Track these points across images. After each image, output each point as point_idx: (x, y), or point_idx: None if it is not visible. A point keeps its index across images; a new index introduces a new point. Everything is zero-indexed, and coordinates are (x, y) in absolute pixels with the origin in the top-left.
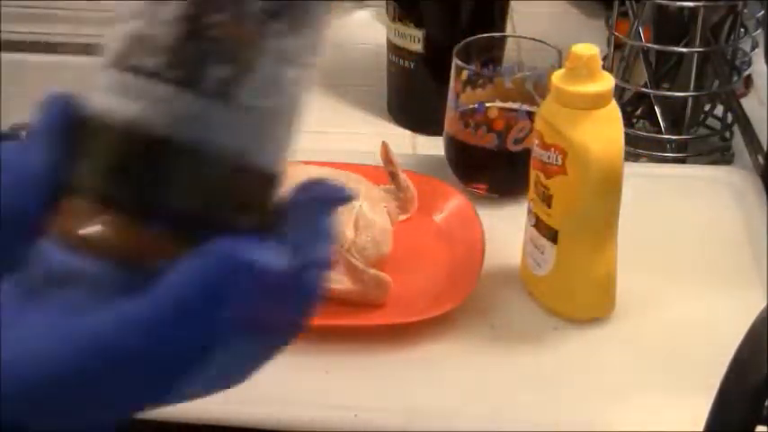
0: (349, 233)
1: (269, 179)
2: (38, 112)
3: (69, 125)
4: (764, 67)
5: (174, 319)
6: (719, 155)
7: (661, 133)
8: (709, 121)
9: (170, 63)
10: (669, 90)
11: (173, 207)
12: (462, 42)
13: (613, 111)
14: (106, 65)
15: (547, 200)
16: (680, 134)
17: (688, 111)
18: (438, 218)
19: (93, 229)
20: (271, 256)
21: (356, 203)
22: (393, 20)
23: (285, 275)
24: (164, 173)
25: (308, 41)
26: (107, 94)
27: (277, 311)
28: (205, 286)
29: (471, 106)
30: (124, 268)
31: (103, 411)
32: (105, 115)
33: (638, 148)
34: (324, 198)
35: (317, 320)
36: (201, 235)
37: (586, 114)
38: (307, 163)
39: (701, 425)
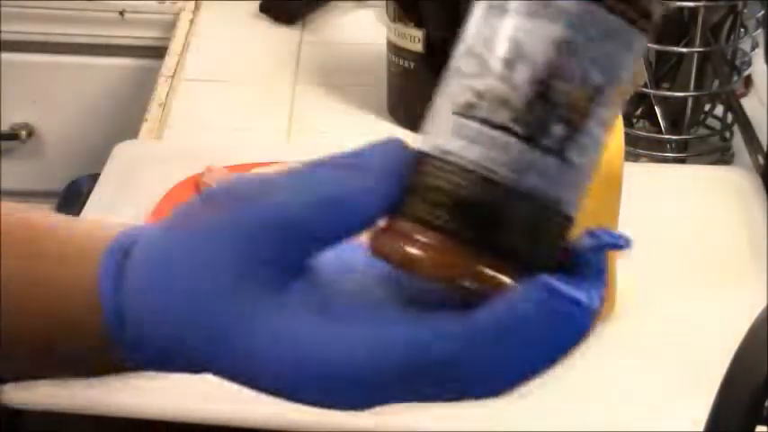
0: None
1: (571, 224)
2: (374, 151)
3: (403, 165)
4: (764, 67)
5: (494, 340)
6: (719, 155)
7: (661, 133)
8: (710, 121)
9: (517, 119)
10: (669, 90)
11: (501, 243)
12: None
13: None
14: (452, 112)
15: None
16: (680, 134)
17: (688, 111)
18: None
19: (419, 249)
20: (589, 297)
21: None
22: (393, 20)
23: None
24: (498, 213)
25: (615, 113)
26: (450, 137)
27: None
28: (537, 319)
29: None
30: (441, 289)
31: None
32: (451, 156)
33: (638, 148)
34: (607, 245)
35: None
36: (515, 269)
37: None
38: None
39: (701, 425)
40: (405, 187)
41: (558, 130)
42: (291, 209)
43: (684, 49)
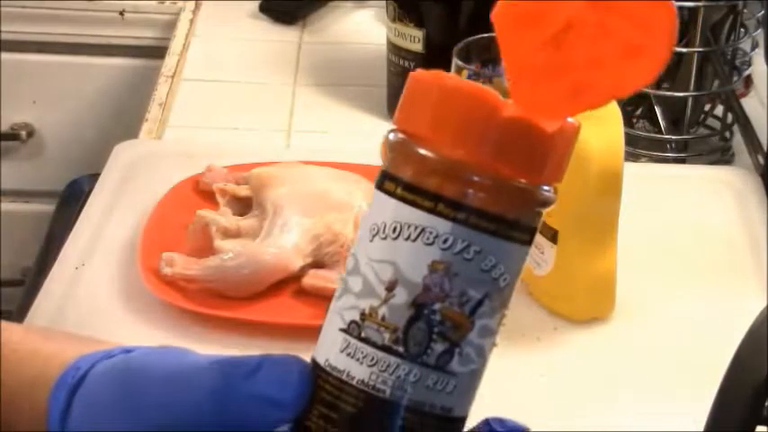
0: (349, 233)
1: (463, 424)
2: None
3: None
4: (764, 67)
5: None
6: (719, 155)
7: (661, 133)
8: (710, 121)
9: (397, 339)
10: (669, 90)
11: None
12: (462, 42)
13: (613, 111)
14: (339, 328)
15: None
16: (680, 134)
17: (688, 111)
18: None
19: None
20: None
21: (356, 204)
22: (393, 20)
23: None
24: (388, 428)
25: (502, 314)
26: (339, 354)
27: None
28: None
29: None
30: None
31: None
32: (340, 373)
33: (638, 148)
34: None
35: (318, 320)
36: None
37: (586, 114)
38: (306, 163)
39: (701, 425)
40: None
41: (438, 347)
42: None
43: (684, 49)
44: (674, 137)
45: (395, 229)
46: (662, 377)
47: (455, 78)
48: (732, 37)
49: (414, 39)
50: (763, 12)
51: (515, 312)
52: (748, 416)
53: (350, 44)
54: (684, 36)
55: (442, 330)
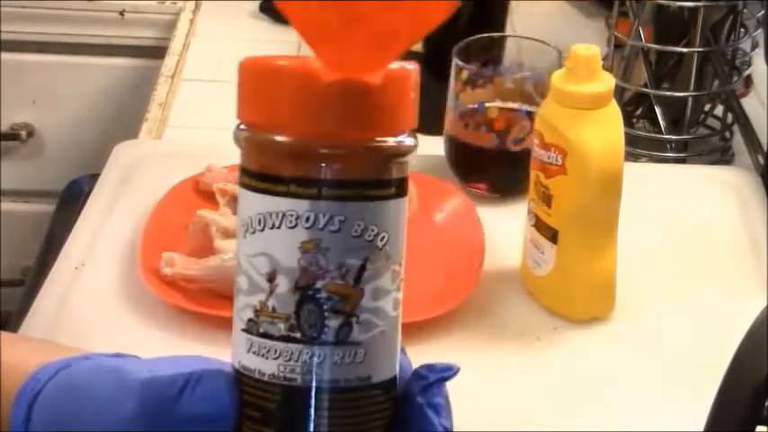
0: None
1: (393, 386)
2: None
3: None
4: (764, 67)
5: None
6: (719, 155)
7: (661, 133)
8: (710, 121)
9: (292, 327)
10: (669, 90)
11: None
12: (462, 42)
13: (613, 111)
14: (241, 329)
15: (547, 200)
16: (680, 134)
17: (688, 111)
18: (438, 218)
19: None
20: None
21: None
22: None
23: None
24: (310, 413)
25: (394, 270)
26: (246, 354)
27: None
28: None
29: (471, 106)
30: None
31: None
32: (252, 372)
33: (638, 148)
34: (437, 381)
35: None
36: None
37: (586, 114)
38: None
39: (701, 425)
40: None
41: (333, 323)
42: None
43: (684, 49)
44: (674, 137)
45: (260, 221)
46: (662, 377)
47: (270, 59)
48: (732, 37)
49: None
50: (763, 12)
51: (515, 312)
52: (748, 416)
53: None
54: (684, 36)
55: (331, 306)
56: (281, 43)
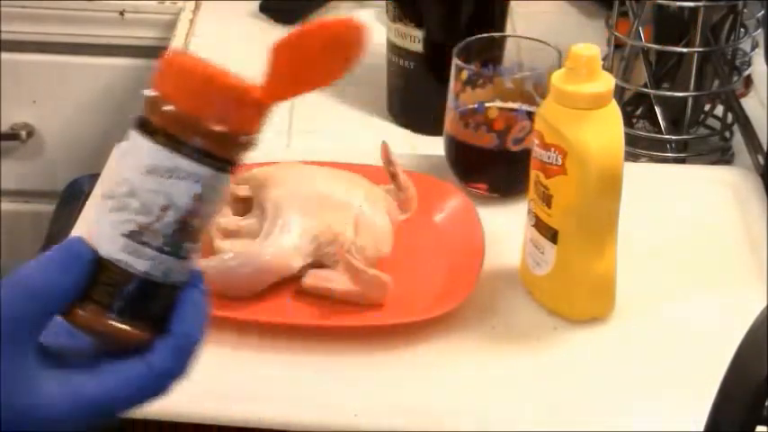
0: (349, 233)
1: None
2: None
3: (85, 260)
4: (764, 67)
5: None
6: (719, 155)
7: (661, 133)
8: (710, 121)
9: (166, 243)
10: (669, 90)
11: (150, 314)
12: (462, 42)
13: (613, 111)
14: (121, 234)
15: (547, 200)
16: (680, 134)
17: (688, 111)
18: (438, 218)
19: (104, 326)
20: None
21: (356, 204)
22: (393, 20)
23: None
24: (154, 297)
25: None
26: (121, 251)
27: None
28: (179, 359)
29: (471, 106)
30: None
31: None
32: (122, 264)
33: (638, 148)
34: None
35: (317, 320)
36: (158, 329)
37: (586, 114)
38: (306, 163)
39: (701, 425)
40: (93, 278)
41: (188, 246)
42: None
43: (684, 49)
44: (674, 137)
45: (168, 172)
46: (662, 377)
47: (193, 61)
48: (732, 37)
49: (414, 39)
50: (763, 12)
51: (515, 312)
52: (748, 416)
53: None
54: (684, 36)
55: (193, 236)
56: None
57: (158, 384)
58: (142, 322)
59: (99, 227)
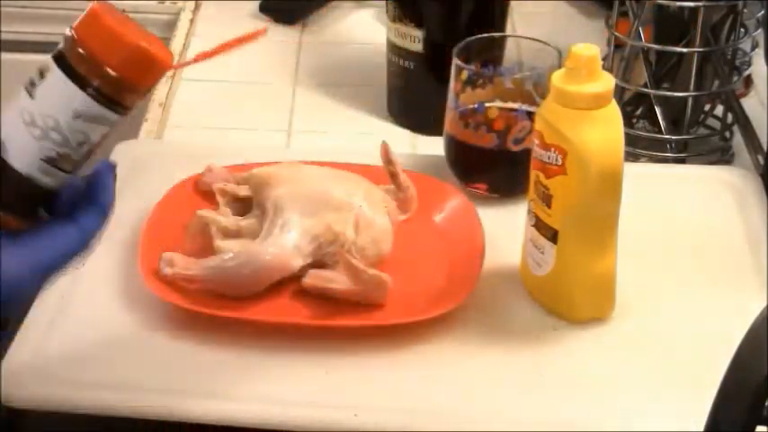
0: (349, 233)
1: None
2: None
3: None
4: (764, 67)
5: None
6: (719, 155)
7: (661, 133)
8: (710, 121)
9: (74, 167)
10: (669, 90)
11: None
12: (462, 42)
13: (613, 111)
14: (41, 158)
15: (547, 200)
16: (680, 134)
17: (688, 111)
18: (438, 218)
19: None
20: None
21: (356, 204)
22: (393, 20)
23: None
24: (39, 199)
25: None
26: (36, 170)
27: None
28: (101, 222)
29: (471, 106)
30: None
31: None
32: (34, 180)
33: (638, 148)
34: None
35: (317, 320)
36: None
37: (586, 114)
38: (306, 163)
39: (701, 425)
40: None
41: (81, 167)
42: None
43: (684, 49)
44: (674, 137)
45: (93, 117)
46: (662, 377)
47: (114, 19)
48: (732, 37)
49: (414, 39)
50: (763, 12)
51: (515, 312)
52: (748, 416)
53: (350, 44)
54: (684, 36)
55: (86, 161)
56: (282, 43)
57: (87, 242)
58: (22, 215)
59: (17, 145)
